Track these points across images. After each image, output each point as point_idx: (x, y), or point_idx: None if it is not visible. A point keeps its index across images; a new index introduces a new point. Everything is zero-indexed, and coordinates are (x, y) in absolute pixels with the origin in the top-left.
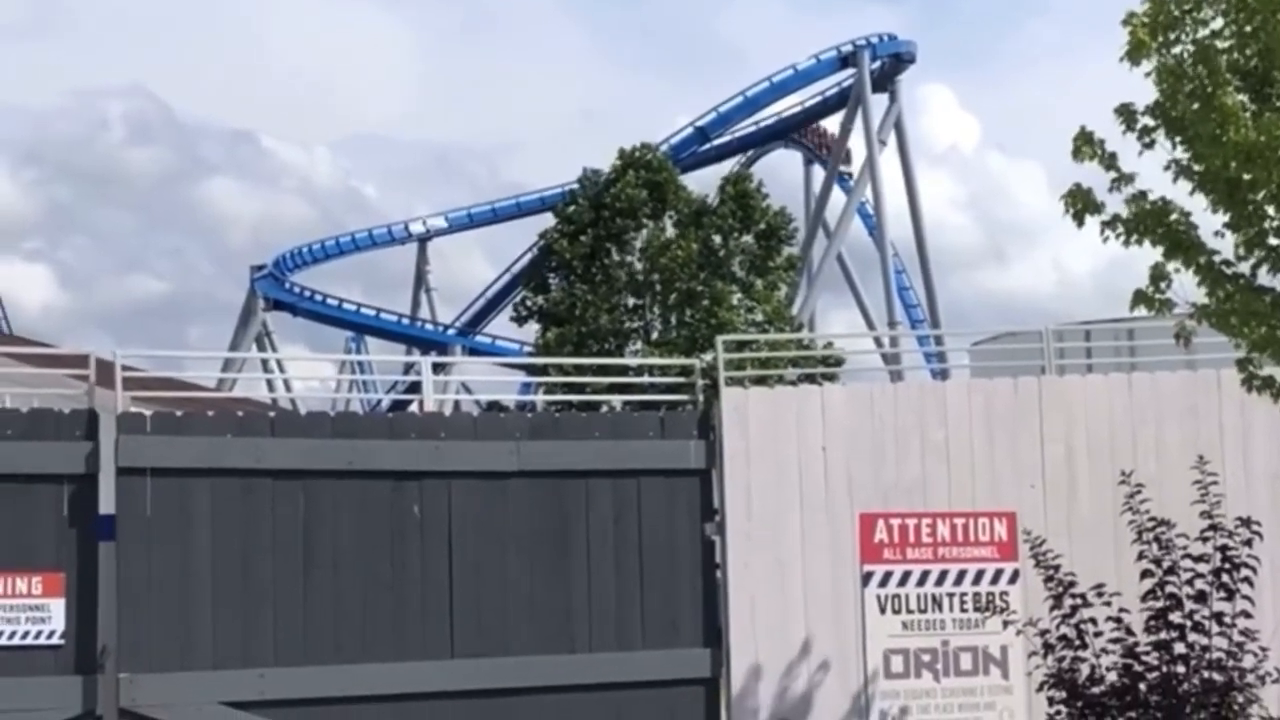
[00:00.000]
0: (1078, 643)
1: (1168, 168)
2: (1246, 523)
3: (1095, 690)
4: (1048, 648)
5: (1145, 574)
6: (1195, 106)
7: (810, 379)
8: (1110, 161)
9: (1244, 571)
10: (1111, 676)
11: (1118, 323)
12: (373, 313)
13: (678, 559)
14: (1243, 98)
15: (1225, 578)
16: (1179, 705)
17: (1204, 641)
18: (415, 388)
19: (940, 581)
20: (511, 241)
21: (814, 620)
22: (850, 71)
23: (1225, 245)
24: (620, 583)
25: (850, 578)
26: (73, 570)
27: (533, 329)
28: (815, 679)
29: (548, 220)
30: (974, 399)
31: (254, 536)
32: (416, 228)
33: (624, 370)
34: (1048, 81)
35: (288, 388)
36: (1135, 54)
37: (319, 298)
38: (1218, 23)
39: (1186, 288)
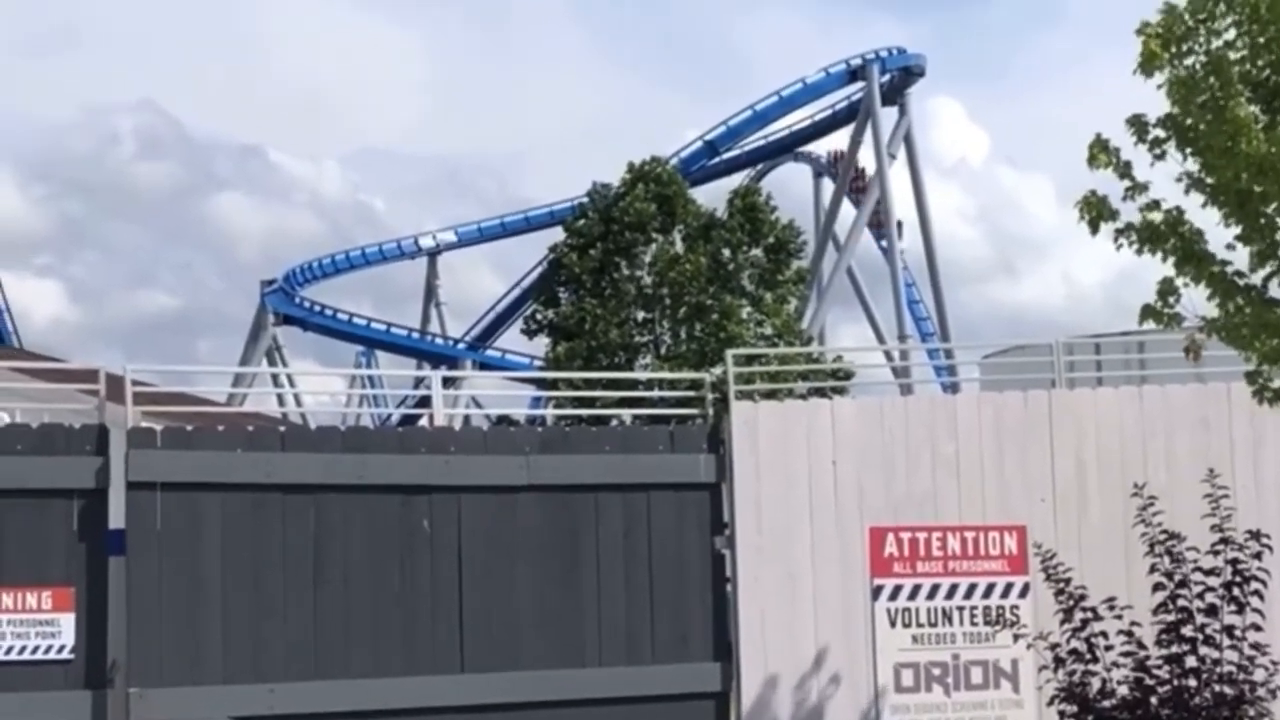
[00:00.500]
0: (1089, 656)
1: (1179, 180)
2: (1257, 536)
3: (1106, 704)
4: (1058, 661)
5: (1157, 587)
6: (1208, 118)
7: (820, 392)
8: (1125, 170)
9: (1255, 585)
10: (1123, 690)
11: (1127, 336)
12: (383, 327)
13: (688, 573)
14: (1255, 109)
15: (1236, 591)
16: (1190, 719)
17: (1215, 655)
18: (425, 402)
19: (950, 595)
20: (521, 255)
21: (824, 634)
22: (859, 85)
23: (1237, 258)
24: (630, 597)
25: (860, 591)
26: (83, 585)
27: (542, 343)
28: (826, 693)
29: (557, 234)
30: (984, 412)
31: (264, 551)
32: (426, 242)
33: (634, 384)
34: (1058, 94)
35: (298, 402)
36: (1148, 66)
37: (329, 312)
38: (1230, 34)
39: (1195, 302)
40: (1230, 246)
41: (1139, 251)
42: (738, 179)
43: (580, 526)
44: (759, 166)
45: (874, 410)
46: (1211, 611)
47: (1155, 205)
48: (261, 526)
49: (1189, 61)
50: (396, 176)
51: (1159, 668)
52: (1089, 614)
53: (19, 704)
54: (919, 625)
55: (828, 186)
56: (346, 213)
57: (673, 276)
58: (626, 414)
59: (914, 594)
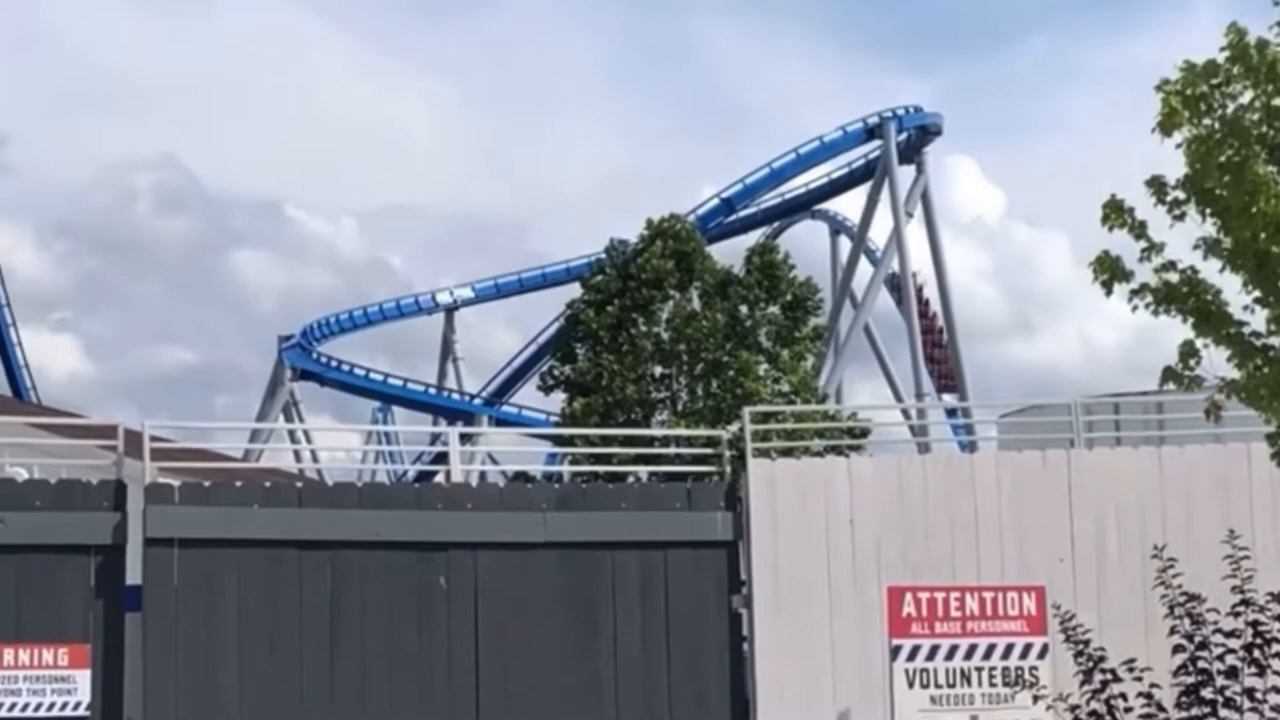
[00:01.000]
0: (1108, 718)
1: (1197, 246)
2: (1278, 597)
3: None
4: None
5: (1176, 649)
6: (1226, 178)
7: (837, 450)
8: (1140, 230)
9: (1276, 647)
10: None
11: (1146, 396)
12: (399, 383)
13: (705, 631)
14: (1273, 169)
15: (1257, 653)
16: None
17: (1235, 718)
18: (442, 458)
19: (969, 655)
20: (538, 311)
21: (842, 694)
22: (877, 143)
23: (1255, 320)
24: (647, 654)
25: (879, 651)
26: (99, 641)
27: (559, 399)
28: None
29: (574, 290)
30: (1002, 472)
31: (281, 607)
32: (443, 298)
33: (650, 441)
34: (1075, 151)
35: (315, 458)
36: (1168, 125)
37: (346, 368)
38: (1246, 96)
39: (1216, 363)
40: (1248, 309)
41: (1155, 312)
42: (755, 236)
43: (597, 584)
44: (776, 224)
45: (892, 469)
46: (1232, 674)
47: (1171, 265)
48: (278, 582)
49: (1208, 121)
50: (414, 232)
51: None
52: (1108, 675)
53: None
54: (937, 686)
55: (844, 244)
56: (364, 269)
57: (690, 333)
58: (643, 471)
59: (932, 654)
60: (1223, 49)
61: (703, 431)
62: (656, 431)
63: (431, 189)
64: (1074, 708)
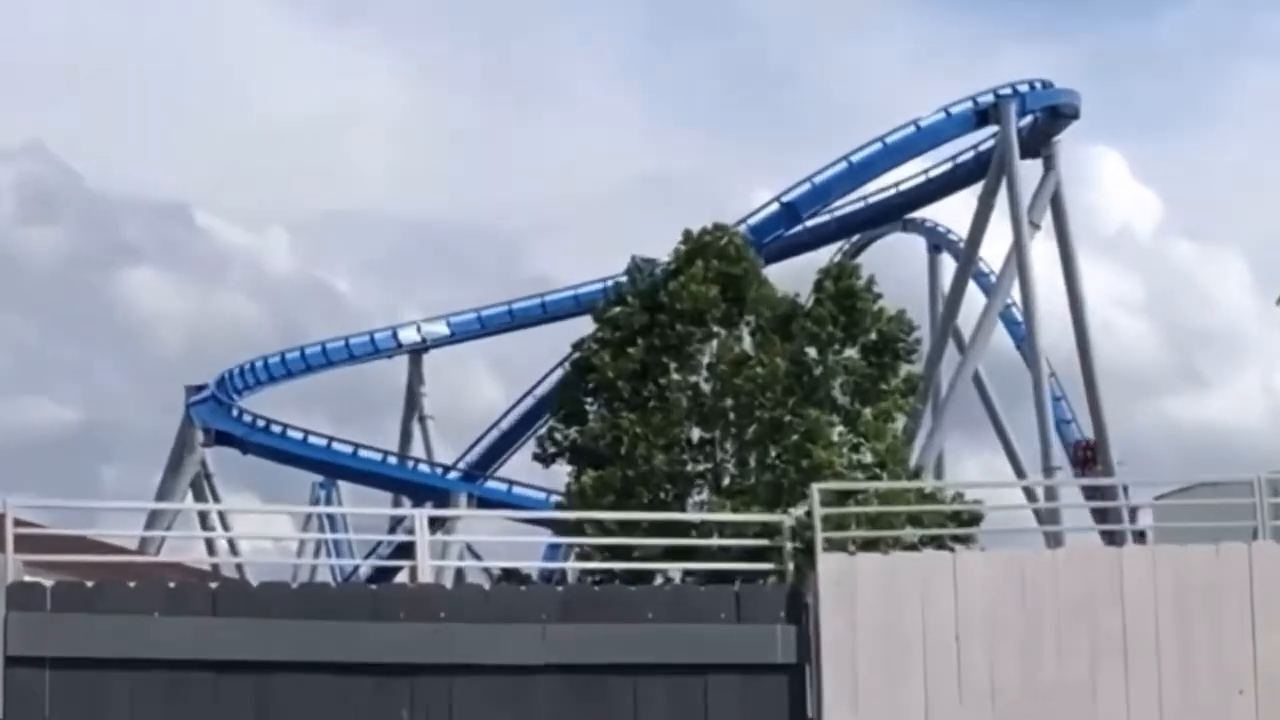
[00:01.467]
0: None
1: None
2: None
3: None
4: None
5: None
6: None
7: (938, 542)
8: None
9: None
10: None
11: None
12: (348, 449)
13: None
14: None
15: None
16: None
17: None
18: (406, 550)
19: None
20: (534, 354)
21: None
22: (991, 130)
23: None
24: None
25: None
26: None
27: (563, 471)
28: None
29: (584, 326)
30: (1161, 571)
31: None
32: (408, 335)
33: (686, 528)
34: (1252, 145)
35: (234, 550)
36: None
37: (276, 429)
38: None
39: None
40: None
41: None
42: (827, 253)
43: None
44: (855, 238)
45: (1012, 568)
46: None
47: None
48: (185, 716)
49: None
50: (367, 248)
51: None
52: None
53: None
54: None
55: (947, 264)
56: (299, 295)
57: (739, 384)
58: (676, 568)
59: None
60: None
61: (757, 516)
62: (694, 515)
63: (391, 192)
64: None
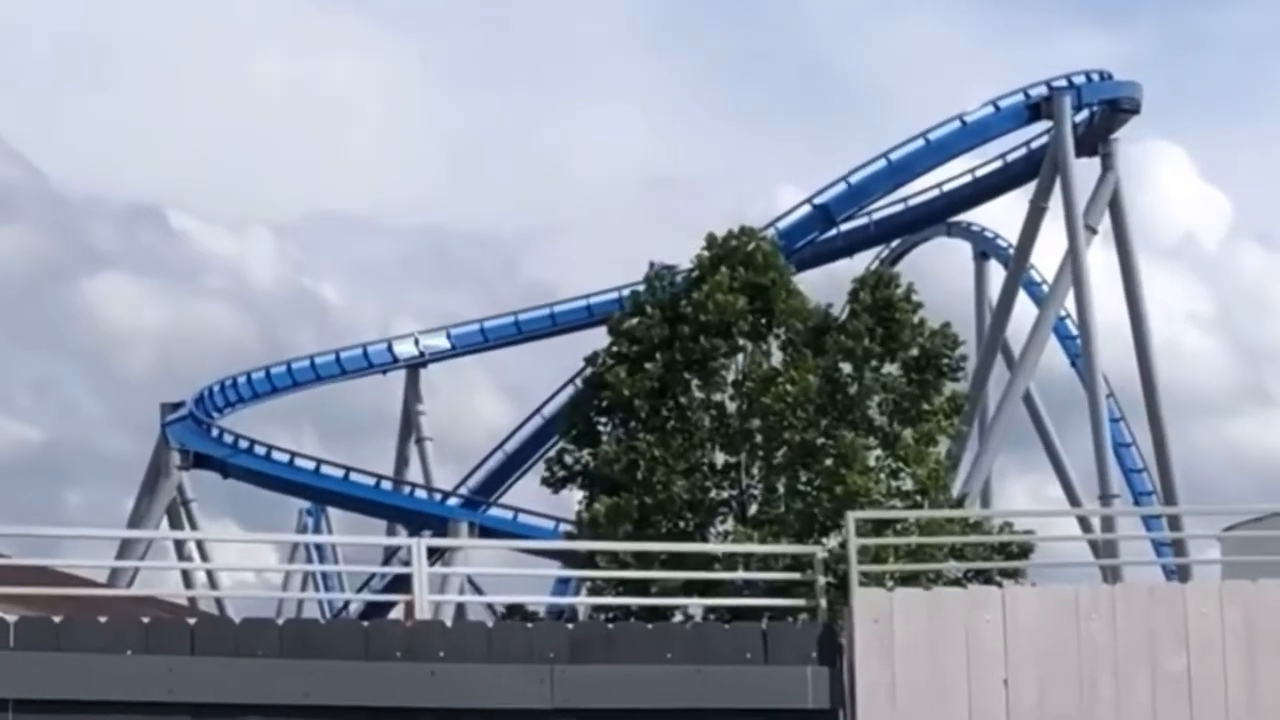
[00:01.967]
0: None
1: None
2: None
3: None
4: None
5: None
6: None
7: (984, 576)
8: None
9: None
10: None
11: None
12: (339, 473)
13: None
14: None
15: None
16: None
17: None
18: (401, 583)
19: None
20: (542, 369)
21: None
22: (1044, 126)
23: None
24: None
25: None
26: None
27: (573, 498)
28: None
29: (597, 339)
30: (1229, 609)
31: None
32: (405, 348)
33: (709, 561)
34: None
35: (213, 582)
36: None
37: (260, 451)
38: None
39: None
40: None
41: None
42: (864, 260)
43: None
44: (895, 243)
45: (1066, 604)
46: None
47: None
48: None
49: None
50: (357, 253)
51: None
52: None
53: None
54: None
55: (996, 273)
56: (284, 304)
57: (767, 403)
58: (697, 605)
59: None
60: None
61: (786, 547)
62: (717, 546)
63: (384, 193)
64: None
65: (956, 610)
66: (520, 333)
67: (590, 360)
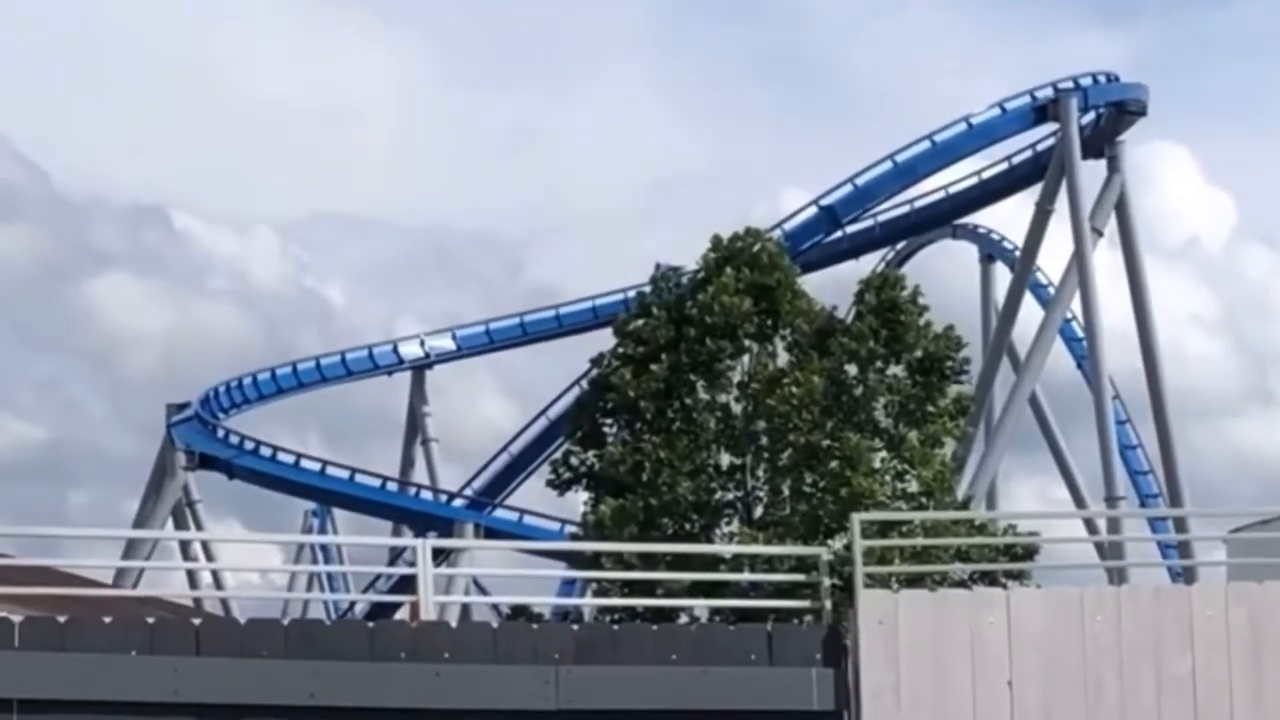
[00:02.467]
0: None
1: None
2: None
3: None
4: None
5: None
6: None
7: (990, 578)
8: None
9: None
10: None
11: None
12: (344, 474)
13: None
14: None
15: None
16: None
17: None
18: (407, 584)
19: None
20: (548, 371)
21: None
22: (1051, 128)
23: None
24: None
25: None
26: None
27: (578, 500)
28: None
29: (603, 340)
30: (1234, 612)
31: None
32: (410, 350)
33: (714, 562)
34: None
35: (218, 583)
36: None
37: (266, 452)
38: None
39: None
40: None
41: None
42: (869, 262)
43: None
44: (901, 245)
45: (1070, 606)
46: None
47: None
48: None
49: None
50: (362, 254)
51: None
52: None
53: None
54: None
55: (1002, 275)
56: (288, 305)
57: (773, 404)
58: (702, 606)
59: None
60: None
61: (791, 549)
62: (723, 548)
63: (388, 193)
64: None
65: (961, 612)
66: (526, 334)
67: (596, 362)
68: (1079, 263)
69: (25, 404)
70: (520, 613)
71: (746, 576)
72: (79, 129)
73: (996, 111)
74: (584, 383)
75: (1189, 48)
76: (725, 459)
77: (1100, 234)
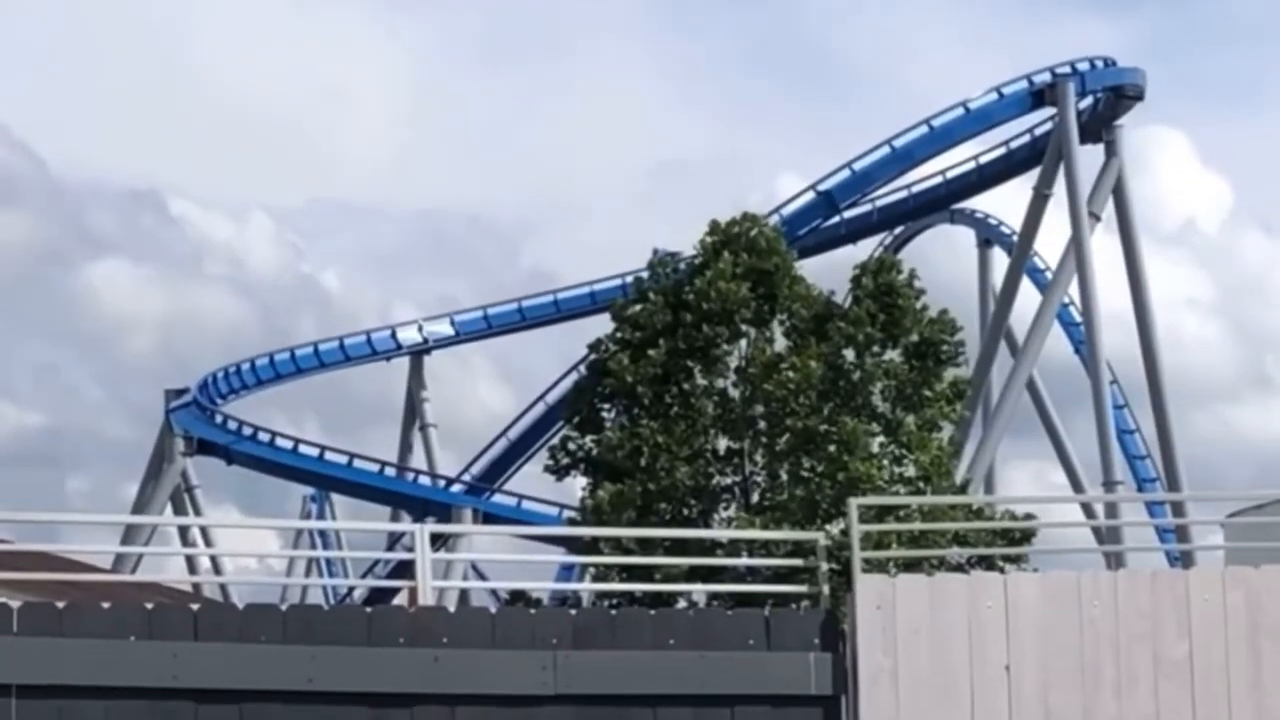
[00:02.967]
0: None
1: None
2: None
3: None
4: None
5: None
6: None
7: (987, 563)
8: None
9: None
10: None
11: None
12: (342, 459)
13: None
14: None
15: None
16: None
17: None
18: (405, 570)
19: None
20: (545, 357)
21: None
22: (1048, 113)
23: None
24: None
25: None
26: None
27: (576, 485)
28: None
29: (600, 325)
30: (1232, 596)
31: None
32: (408, 336)
33: (712, 547)
34: None
35: (217, 568)
36: None
37: (264, 437)
38: None
39: None
40: None
41: None
42: (867, 247)
43: None
44: (899, 230)
45: (1068, 590)
46: None
47: None
48: None
49: None
50: (359, 239)
51: None
52: None
53: None
54: None
55: (999, 259)
56: (284, 291)
57: (770, 389)
58: (700, 591)
59: None
60: None
61: (789, 534)
62: (721, 533)
63: (385, 179)
64: None
65: (959, 596)
66: (524, 319)
67: (594, 347)
68: (1076, 247)
69: (23, 390)
70: (518, 598)
71: (744, 561)
72: (75, 115)
73: (994, 96)
74: (582, 368)
75: (1186, 32)
76: (723, 444)
77: (1098, 218)
